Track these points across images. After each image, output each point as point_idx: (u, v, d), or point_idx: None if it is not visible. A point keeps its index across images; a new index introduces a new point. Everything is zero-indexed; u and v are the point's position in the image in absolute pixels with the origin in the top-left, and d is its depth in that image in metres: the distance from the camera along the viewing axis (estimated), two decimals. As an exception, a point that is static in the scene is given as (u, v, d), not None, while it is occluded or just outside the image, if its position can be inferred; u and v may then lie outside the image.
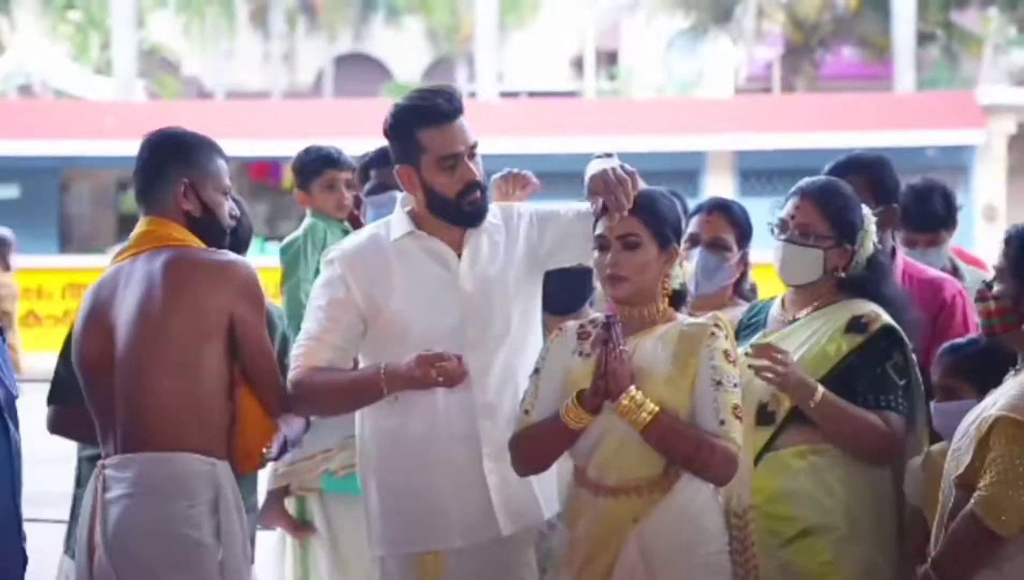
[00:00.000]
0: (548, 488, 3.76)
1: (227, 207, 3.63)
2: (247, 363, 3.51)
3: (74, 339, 3.56)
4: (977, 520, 3.23)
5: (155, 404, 3.42)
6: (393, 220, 3.73)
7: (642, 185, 3.56)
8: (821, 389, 3.61)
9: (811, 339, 3.70)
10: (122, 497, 3.38)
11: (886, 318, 3.69)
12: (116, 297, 3.50)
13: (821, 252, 3.74)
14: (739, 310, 4.18)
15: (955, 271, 4.92)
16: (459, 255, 3.67)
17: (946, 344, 3.80)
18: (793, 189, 3.88)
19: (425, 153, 3.61)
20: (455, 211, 3.64)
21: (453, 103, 3.62)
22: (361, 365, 3.73)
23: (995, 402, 3.32)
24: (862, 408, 3.63)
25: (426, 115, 3.61)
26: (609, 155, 3.66)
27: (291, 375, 3.64)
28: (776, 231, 3.81)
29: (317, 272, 5.10)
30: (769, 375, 3.61)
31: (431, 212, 3.66)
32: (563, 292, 4.03)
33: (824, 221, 3.76)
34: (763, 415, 3.69)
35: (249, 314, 3.50)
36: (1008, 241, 3.46)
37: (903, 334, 3.70)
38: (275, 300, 5.63)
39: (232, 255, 3.57)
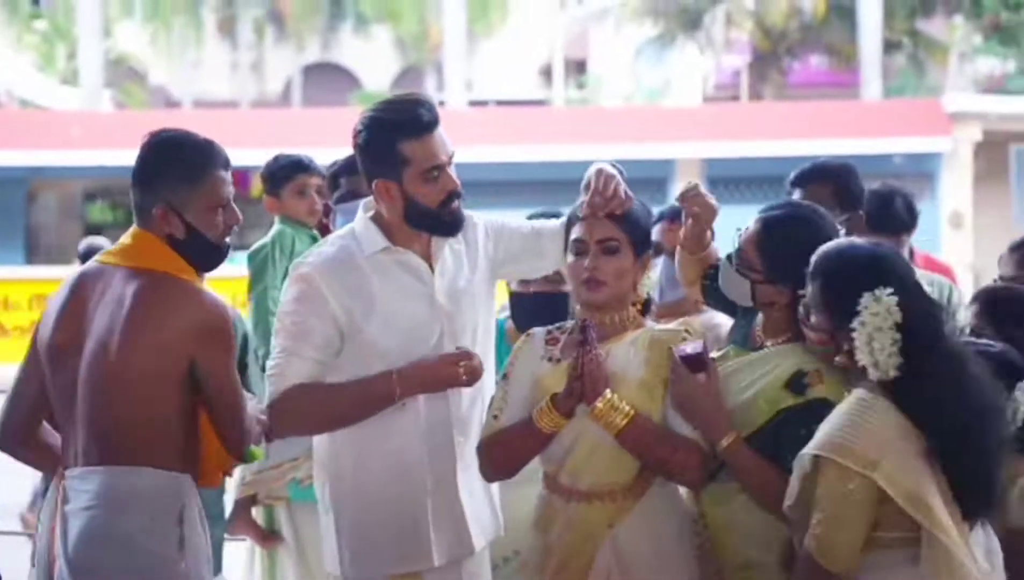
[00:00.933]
0: (497, 499, 3.77)
1: (220, 222, 3.46)
2: (208, 403, 3.42)
3: (47, 321, 3.46)
4: (813, 559, 3.15)
5: (115, 425, 3.36)
6: (360, 231, 3.66)
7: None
8: (733, 435, 3.37)
9: (754, 386, 3.46)
10: (85, 509, 3.34)
11: (825, 388, 3.37)
12: (95, 299, 3.42)
13: (748, 284, 3.51)
14: (706, 316, 4.18)
15: (914, 274, 4.97)
16: (431, 267, 3.65)
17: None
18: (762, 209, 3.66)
19: (408, 165, 3.55)
20: (435, 221, 3.60)
21: (433, 112, 3.58)
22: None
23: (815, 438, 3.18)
24: (778, 467, 3.33)
25: (407, 127, 3.55)
26: (619, 170, 3.63)
27: (271, 394, 3.56)
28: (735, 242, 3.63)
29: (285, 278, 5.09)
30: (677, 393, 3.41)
31: (407, 223, 3.61)
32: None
33: (756, 252, 3.51)
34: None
35: (212, 357, 3.37)
36: (814, 274, 3.28)
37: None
38: (242, 308, 5.61)
39: (205, 294, 3.42)
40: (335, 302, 3.56)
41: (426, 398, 3.60)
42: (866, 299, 3.17)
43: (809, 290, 3.31)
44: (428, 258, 3.65)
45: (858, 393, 3.21)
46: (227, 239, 3.50)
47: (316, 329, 3.56)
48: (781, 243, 3.49)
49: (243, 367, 4.25)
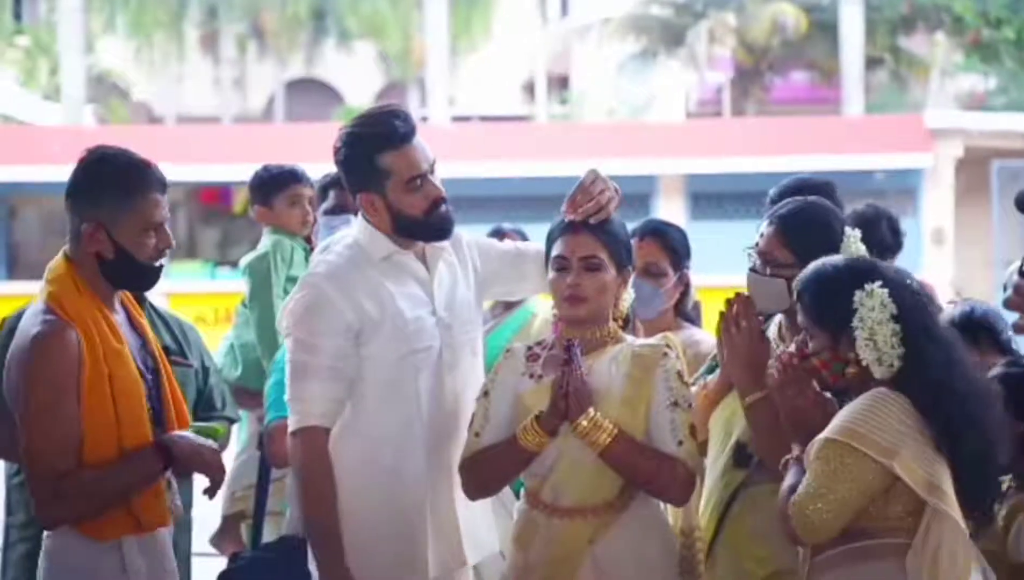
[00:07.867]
0: (491, 516, 3.74)
1: (151, 244, 3.37)
2: None
3: None
4: (787, 518, 3.19)
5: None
6: (365, 239, 3.60)
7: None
8: (759, 394, 3.45)
9: None
10: (53, 533, 3.32)
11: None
12: None
13: (784, 282, 3.53)
14: (686, 333, 4.17)
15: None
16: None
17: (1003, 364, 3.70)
18: (769, 212, 3.75)
19: (389, 178, 3.55)
20: (424, 229, 3.59)
21: (409, 122, 3.57)
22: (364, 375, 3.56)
23: None
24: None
25: (384, 139, 3.54)
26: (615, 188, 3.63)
27: (295, 421, 3.51)
28: (750, 258, 3.67)
29: (285, 289, 5.07)
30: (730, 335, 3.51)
31: (398, 233, 3.60)
32: None
33: (785, 249, 3.57)
34: (740, 455, 3.59)
35: (10, 385, 3.31)
36: (801, 295, 3.33)
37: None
38: (225, 325, 5.55)
39: (34, 324, 3.30)
40: (349, 309, 3.52)
41: (429, 409, 3.57)
42: (859, 296, 3.23)
43: (800, 315, 3.33)
44: (426, 267, 3.64)
45: (876, 390, 3.24)
46: (159, 262, 3.41)
47: (327, 344, 3.51)
48: (803, 228, 3.58)
49: (206, 371, 4.24)
